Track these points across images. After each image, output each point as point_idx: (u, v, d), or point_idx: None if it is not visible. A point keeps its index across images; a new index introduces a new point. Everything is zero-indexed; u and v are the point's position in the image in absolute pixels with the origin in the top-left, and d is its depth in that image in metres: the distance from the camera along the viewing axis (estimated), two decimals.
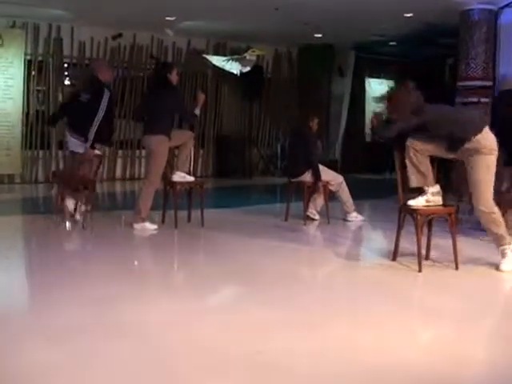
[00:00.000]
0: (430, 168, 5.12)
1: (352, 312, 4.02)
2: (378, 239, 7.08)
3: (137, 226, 6.67)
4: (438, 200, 5.13)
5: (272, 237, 6.46)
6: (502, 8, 9.60)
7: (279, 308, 4.06)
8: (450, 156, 5.11)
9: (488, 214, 4.95)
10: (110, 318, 3.75)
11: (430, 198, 5.09)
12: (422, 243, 5.04)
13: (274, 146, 13.47)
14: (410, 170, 5.09)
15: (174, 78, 6.83)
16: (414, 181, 5.11)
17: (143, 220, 6.68)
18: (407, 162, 5.11)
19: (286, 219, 7.43)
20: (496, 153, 4.94)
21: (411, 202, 5.12)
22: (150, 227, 6.70)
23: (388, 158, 12.30)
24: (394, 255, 5.31)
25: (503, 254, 5.08)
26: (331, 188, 7.48)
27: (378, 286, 4.68)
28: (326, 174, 7.43)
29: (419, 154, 5.06)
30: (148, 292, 4.44)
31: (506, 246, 5.05)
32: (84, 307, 3.95)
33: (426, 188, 5.11)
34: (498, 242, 5.08)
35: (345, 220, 7.53)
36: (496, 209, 4.99)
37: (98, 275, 4.82)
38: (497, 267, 5.07)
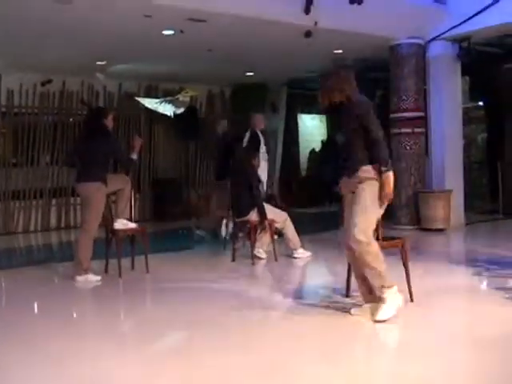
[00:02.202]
0: None
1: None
2: (327, 275, 6.99)
3: (79, 278, 6.38)
4: None
5: (221, 278, 6.31)
6: (430, 41, 9.91)
7: (233, 353, 3.92)
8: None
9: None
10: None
11: None
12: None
13: (211, 186, 13.34)
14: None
15: (109, 122, 6.74)
16: None
17: (85, 271, 6.41)
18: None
19: (233, 259, 7.30)
20: None
21: None
22: (93, 278, 6.43)
23: (326, 191, 12.48)
24: (347, 291, 5.19)
25: (382, 300, 4.47)
26: (276, 225, 7.44)
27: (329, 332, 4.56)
28: (270, 211, 7.39)
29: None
30: (100, 345, 4.21)
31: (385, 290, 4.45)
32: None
33: None
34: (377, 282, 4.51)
35: (291, 257, 7.43)
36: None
37: (45, 330, 4.55)
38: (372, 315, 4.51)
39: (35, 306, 5.74)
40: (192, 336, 4.46)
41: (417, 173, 9.98)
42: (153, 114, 12.06)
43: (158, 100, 11.92)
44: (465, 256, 7.99)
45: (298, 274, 7.08)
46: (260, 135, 9.11)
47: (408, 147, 9.94)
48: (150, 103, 11.79)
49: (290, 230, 7.45)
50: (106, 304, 5.68)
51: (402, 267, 5.01)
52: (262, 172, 8.65)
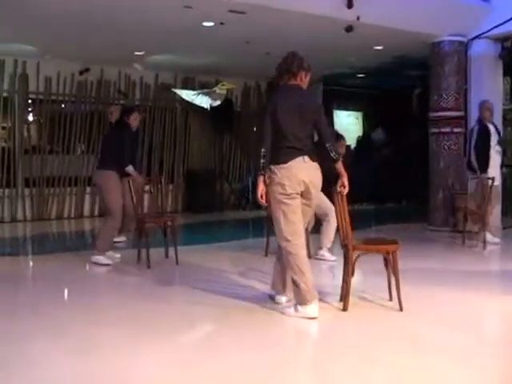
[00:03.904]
0: None
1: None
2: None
3: (93, 258, 6.73)
4: None
5: (257, 272, 6.24)
6: (472, 39, 9.72)
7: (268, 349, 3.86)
8: None
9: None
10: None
11: None
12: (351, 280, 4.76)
13: (245, 179, 13.32)
14: None
15: (131, 121, 7.42)
16: None
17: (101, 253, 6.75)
18: None
19: (266, 254, 7.22)
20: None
21: None
22: (114, 255, 6.84)
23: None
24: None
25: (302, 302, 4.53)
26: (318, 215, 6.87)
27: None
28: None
29: None
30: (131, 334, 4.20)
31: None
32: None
33: None
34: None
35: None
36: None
37: (72, 317, 4.57)
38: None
39: (64, 291, 5.78)
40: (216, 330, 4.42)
41: (455, 174, 9.80)
42: (189, 106, 12.06)
43: (194, 92, 11.90)
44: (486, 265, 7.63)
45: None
46: None
47: (446, 147, 9.76)
48: (186, 95, 11.78)
49: (330, 227, 6.87)
50: (127, 293, 5.72)
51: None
52: None
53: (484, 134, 8.24)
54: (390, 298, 4.96)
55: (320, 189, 4.75)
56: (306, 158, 4.55)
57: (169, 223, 6.99)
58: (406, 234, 9.37)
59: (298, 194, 4.56)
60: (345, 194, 4.70)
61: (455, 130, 9.73)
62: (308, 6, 7.92)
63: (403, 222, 10.82)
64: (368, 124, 15.92)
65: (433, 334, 4.28)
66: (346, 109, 15.70)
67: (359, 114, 16.06)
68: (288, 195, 4.51)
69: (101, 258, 6.68)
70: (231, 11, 7.94)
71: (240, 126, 13.06)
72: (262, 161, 4.46)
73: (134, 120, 7.49)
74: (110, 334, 4.28)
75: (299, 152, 4.52)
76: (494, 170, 8.28)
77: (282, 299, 4.90)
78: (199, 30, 8.92)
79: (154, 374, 3.49)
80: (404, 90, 14.67)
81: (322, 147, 4.64)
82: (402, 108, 14.87)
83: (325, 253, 7.03)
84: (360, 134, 15.63)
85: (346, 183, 4.67)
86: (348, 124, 15.93)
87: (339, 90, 15.00)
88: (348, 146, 13.71)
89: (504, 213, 9.92)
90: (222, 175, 12.91)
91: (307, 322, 4.48)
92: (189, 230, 10.32)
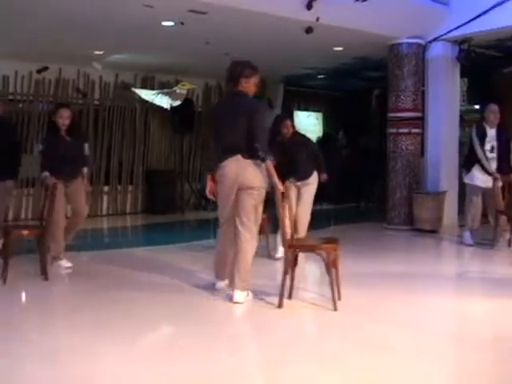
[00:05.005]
0: None
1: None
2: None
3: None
4: None
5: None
6: (430, 42, 9.90)
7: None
8: None
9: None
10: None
11: None
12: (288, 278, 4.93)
13: (205, 179, 13.24)
14: None
15: (57, 119, 6.62)
16: None
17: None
18: None
19: None
20: None
21: None
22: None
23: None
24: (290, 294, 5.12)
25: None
26: None
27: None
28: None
29: None
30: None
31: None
32: None
33: None
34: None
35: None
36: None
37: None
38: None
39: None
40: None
41: (412, 173, 9.96)
42: (149, 106, 11.99)
43: (154, 92, 11.85)
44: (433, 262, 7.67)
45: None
46: None
47: (404, 147, 9.92)
48: (146, 95, 11.72)
49: None
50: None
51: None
52: None
53: (478, 136, 7.99)
54: (336, 298, 4.96)
55: (261, 183, 5.08)
56: (240, 156, 5.00)
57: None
58: (363, 233, 9.55)
59: (233, 190, 5.05)
60: (280, 193, 4.98)
61: (413, 130, 9.90)
62: (268, 6, 7.93)
63: (362, 222, 10.97)
64: (328, 125, 16.05)
65: (368, 332, 4.37)
66: (307, 109, 15.80)
67: (319, 115, 16.17)
68: (225, 191, 5.09)
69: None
70: (192, 11, 7.90)
71: (201, 126, 13.02)
72: (208, 162, 5.36)
73: (59, 119, 6.60)
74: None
75: (233, 152, 5.03)
76: (481, 178, 8.00)
77: (223, 284, 5.34)
78: (159, 30, 8.86)
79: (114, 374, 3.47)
80: (364, 91, 14.85)
81: (252, 147, 5.02)
82: (362, 109, 15.05)
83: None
84: (320, 134, 15.73)
85: (277, 184, 4.98)
86: (308, 125, 16.01)
87: (300, 91, 15.11)
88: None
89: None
90: (183, 175, 12.84)
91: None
92: (148, 231, 10.26)
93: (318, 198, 7.50)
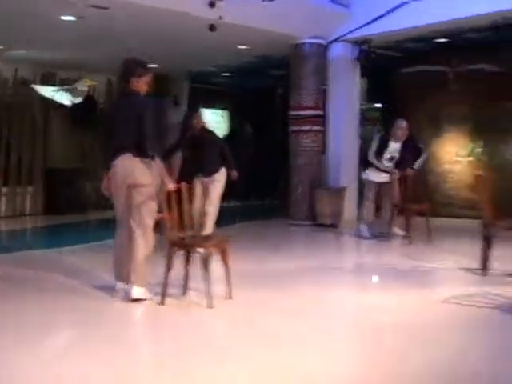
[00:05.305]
0: None
1: None
2: None
3: None
4: None
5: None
6: (331, 42, 10.16)
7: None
8: None
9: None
10: None
11: None
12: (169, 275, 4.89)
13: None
14: None
15: None
16: None
17: None
18: None
19: None
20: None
21: None
22: None
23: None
24: (184, 290, 5.16)
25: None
26: None
27: None
28: None
29: None
30: None
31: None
32: None
33: None
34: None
35: None
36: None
37: None
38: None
39: None
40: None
41: (313, 170, 10.19)
42: (49, 103, 11.65)
43: (54, 88, 11.55)
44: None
45: None
46: None
47: (306, 144, 10.14)
48: (46, 91, 11.41)
49: None
50: None
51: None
52: None
53: (380, 144, 8.18)
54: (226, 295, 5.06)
55: (149, 180, 5.04)
56: (129, 155, 5.01)
57: None
58: (267, 229, 9.71)
59: (123, 187, 5.06)
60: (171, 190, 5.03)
61: (314, 128, 10.14)
62: (171, 3, 7.91)
63: (267, 219, 11.12)
64: (234, 122, 16.15)
65: (261, 325, 4.44)
66: (212, 107, 15.82)
67: (225, 113, 16.25)
68: (116, 189, 5.11)
69: None
70: (93, 6, 7.76)
71: (102, 123, 12.74)
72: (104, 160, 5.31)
73: None
74: None
75: (123, 151, 5.03)
76: (376, 174, 8.35)
77: (122, 285, 5.19)
78: (58, 24, 8.64)
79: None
80: (268, 89, 15.04)
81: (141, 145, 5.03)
82: (267, 107, 15.23)
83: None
84: (225, 132, 15.81)
85: (167, 182, 5.05)
86: (214, 122, 16.05)
87: (205, 88, 15.11)
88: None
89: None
90: (84, 173, 12.48)
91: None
92: (47, 232, 9.96)
93: (227, 194, 7.59)
